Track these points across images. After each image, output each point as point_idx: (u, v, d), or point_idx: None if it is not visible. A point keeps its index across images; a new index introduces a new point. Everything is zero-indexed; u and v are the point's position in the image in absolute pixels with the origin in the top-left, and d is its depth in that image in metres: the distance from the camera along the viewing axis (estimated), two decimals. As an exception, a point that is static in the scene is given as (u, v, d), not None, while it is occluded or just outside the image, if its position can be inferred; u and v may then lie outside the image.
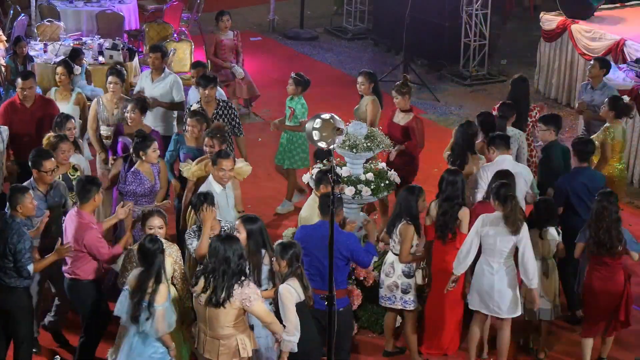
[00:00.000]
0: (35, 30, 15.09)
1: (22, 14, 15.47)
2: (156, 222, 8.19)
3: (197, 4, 17.35)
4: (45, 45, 14.11)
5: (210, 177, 9.15)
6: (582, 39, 14.64)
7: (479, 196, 9.58)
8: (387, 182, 9.94)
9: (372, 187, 9.77)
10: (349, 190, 9.63)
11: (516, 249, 8.63)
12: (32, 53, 13.55)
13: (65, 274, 8.52)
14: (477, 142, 10.14)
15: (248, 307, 7.35)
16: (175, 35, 15.81)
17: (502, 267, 8.68)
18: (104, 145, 10.84)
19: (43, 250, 8.52)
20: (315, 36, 18.91)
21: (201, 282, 7.42)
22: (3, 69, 12.96)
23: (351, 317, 8.55)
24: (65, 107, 11.01)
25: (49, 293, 9.25)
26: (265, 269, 7.98)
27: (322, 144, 6.98)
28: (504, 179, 8.92)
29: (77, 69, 12.05)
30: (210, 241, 7.55)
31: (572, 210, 9.66)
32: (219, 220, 8.55)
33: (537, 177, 10.13)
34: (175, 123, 11.99)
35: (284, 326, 7.53)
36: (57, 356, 9.08)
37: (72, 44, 14.15)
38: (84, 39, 14.80)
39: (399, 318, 9.28)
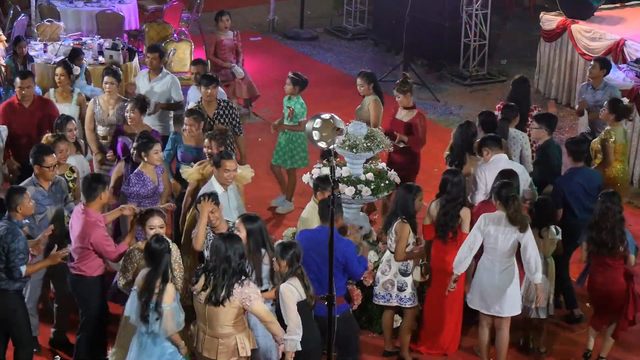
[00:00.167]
0: (35, 30, 15.09)
1: (22, 14, 15.47)
2: (156, 221, 8.20)
3: (197, 4, 17.35)
4: (45, 45, 14.11)
5: (213, 178, 9.14)
6: (582, 39, 14.64)
7: (478, 197, 9.58)
8: (387, 182, 9.94)
9: (372, 187, 9.77)
10: (349, 190, 9.63)
11: (518, 248, 8.63)
12: (32, 53, 13.55)
13: (71, 269, 8.54)
14: (476, 142, 10.16)
15: (248, 306, 7.35)
16: (175, 35, 15.82)
17: (503, 266, 8.68)
18: (101, 146, 10.84)
19: (48, 249, 8.50)
20: (315, 36, 18.91)
21: (201, 280, 7.43)
22: (3, 69, 12.96)
23: (352, 322, 8.50)
24: (67, 108, 11.03)
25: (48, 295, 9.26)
26: (265, 268, 7.99)
27: (322, 144, 6.98)
28: (508, 178, 8.95)
29: (77, 70, 12.05)
30: (212, 240, 7.57)
31: (569, 210, 9.69)
32: (227, 220, 8.56)
33: (534, 176, 10.12)
34: (172, 122, 12.00)
35: (286, 326, 7.54)
36: (57, 356, 9.09)
37: (72, 44, 14.15)
38: (84, 39, 14.80)
39: (398, 317, 9.29)
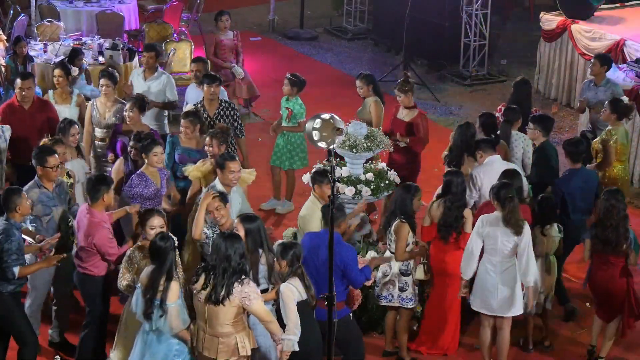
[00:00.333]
0: (35, 30, 15.08)
1: (22, 14, 15.47)
2: (157, 221, 8.20)
3: (197, 4, 17.35)
4: (45, 45, 14.11)
5: (217, 180, 9.12)
6: (582, 39, 14.64)
7: (470, 200, 9.57)
8: (387, 182, 9.94)
9: (372, 187, 9.77)
10: (349, 191, 9.63)
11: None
12: (32, 53, 13.55)
13: (78, 268, 8.56)
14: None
15: (248, 305, 7.36)
16: (175, 35, 15.81)
17: (504, 266, 8.69)
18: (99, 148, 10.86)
19: (57, 250, 8.53)
20: (315, 36, 18.91)
21: (201, 279, 7.44)
22: (3, 69, 12.95)
23: (352, 326, 8.46)
24: (67, 109, 11.02)
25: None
26: (262, 268, 7.98)
27: (322, 144, 6.98)
28: (510, 177, 8.99)
29: (75, 70, 12.05)
30: (213, 238, 7.59)
31: (563, 211, 9.72)
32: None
33: (531, 177, 10.13)
34: (166, 122, 12.00)
35: (284, 326, 7.53)
36: (57, 356, 9.09)
37: (72, 44, 14.14)
38: (84, 39, 14.80)
39: (398, 318, 9.29)
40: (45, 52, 13.91)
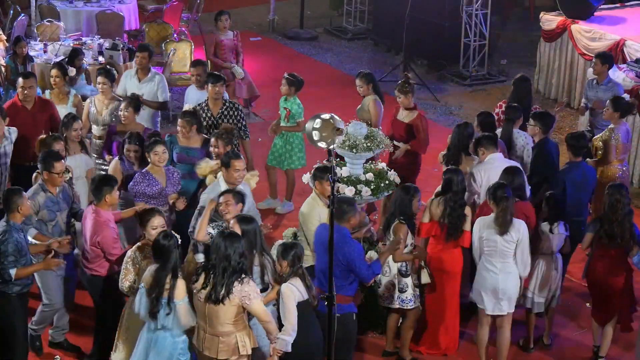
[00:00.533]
0: (35, 30, 15.09)
1: (22, 14, 15.47)
2: (159, 221, 8.18)
3: (197, 4, 17.35)
4: (45, 45, 14.11)
5: (220, 178, 9.10)
6: (582, 39, 14.65)
7: (472, 198, 9.58)
8: (387, 182, 9.94)
9: (372, 187, 9.77)
10: (349, 191, 9.63)
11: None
12: (32, 53, 13.55)
13: (86, 270, 8.58)
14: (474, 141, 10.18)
15: (247, 305, 7.36)
16: (175, 35, 15.81)
17: (505, 266, 8.71)
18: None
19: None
20: (315, 36, 18.91)
21: (201, 278, 7.45)
22: (3, 69, 12.96)
23: (351, 326, 8.42)
24: (64, 109, 11.00)
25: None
26: (255, 269, 7.95)
27: (322, 144, 6.98)
28: (511, 175, 9.04)
29: (72, 71, 12.05)
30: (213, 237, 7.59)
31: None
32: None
33: (529, 174, 10.14)
34: (159, 120, 11.99)
35: (282, 326, 7.54)
36: (57, 357, 9.09)
37: (72, 44, 14.15)
38: (84, 39, 14.81)
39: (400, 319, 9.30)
40: (45, 52, 13.92)
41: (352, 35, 18.84)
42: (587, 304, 9.80)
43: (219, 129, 10.31)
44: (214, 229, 8.39)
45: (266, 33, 19.05)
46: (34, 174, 9.26)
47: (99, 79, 11.01)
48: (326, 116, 6.95)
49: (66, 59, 12.68)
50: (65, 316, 9.14)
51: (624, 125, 10.79)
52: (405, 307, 8.98)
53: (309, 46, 18.45)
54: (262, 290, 7.80)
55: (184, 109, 10.72)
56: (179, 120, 10.17)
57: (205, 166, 9.53)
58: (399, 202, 8.87)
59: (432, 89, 15.99)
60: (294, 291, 7.59)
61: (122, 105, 10.42)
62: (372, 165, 10.17)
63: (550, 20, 15.36)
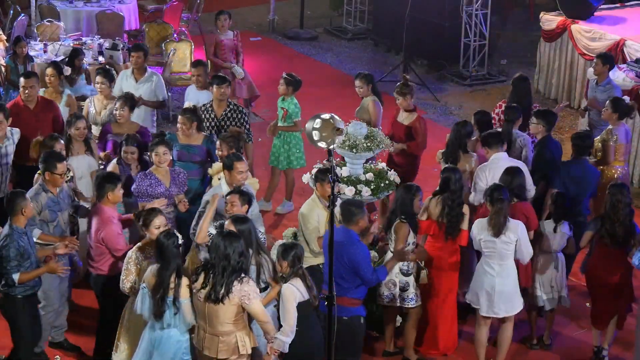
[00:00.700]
0: (35, 30, 15.09)
1: (22, 14, 15.47)
2: (160, 220, 8.17)
3: (197, 4, 17.35)
4: (45, 45, 14.11)
5: (222, 181, 9.11)
6: (582, 39, 14.64)
7: (477, 197, 9.58)
8: (387, 182, 9.94)
9: (372, 187, 9.77)
10: (349, 191, 9.63)
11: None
12: (32, 53, 13.54)
13: (91, 270, 8.60)
14: (472, 139, 10.18)
15: (247, 304, 7.36)
16: (175, 35, 15.82)
17: (503, 268, 8.71)
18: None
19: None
20: (315, 36, 18.91)
21: (201, 278, 7.45)
22: (3, 69, 12.95)
23: (359, 329, 8.43)
24: None
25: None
26: (252, 268, 7.95)
27: (322, 144, 6.98)
28: (511, 175, 9.06)
29: (67, 70, 12.05)
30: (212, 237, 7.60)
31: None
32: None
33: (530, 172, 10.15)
34: (154, 120, 11.99)
35: (281, 326, 7.55)
36: (57, 356, 9.09)
37: (72, 44, 14.15)
38: (84, 39, 14.81)
39: (399, 318, 9.29)
40: (45, 52, 13.92)
41: (352, 35, 18.84)
42: (587, 304, 9.80)
43: (226, 132, 10.32)
44: (216, 228, 8.40)
45: (266, 33, 19.05)
46: (36, 175, 9.24)
47: (98, 78, 11.02)
48: (326, 116, 6.96)
49: (66, 59, 12.68)
50: (62, 314, 9.14)
51: (623, 127, 10.80)
52: (407, 306, 8.98)
53: (309, 46, 18.44)
54: (262, 290, 7.80)
55: (184, 107, 10.73)
56: (180, 117, 10.18)
57: (217, 167, 9.57)
58: (400, 201, 8.86)
59: (432, 89, 15.99)
60: (294, 292, 7.59)
61: (117, 105, 10.39)
62: (372, 165, 10.17)
63: (550, 20, 15.36)
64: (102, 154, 10.38)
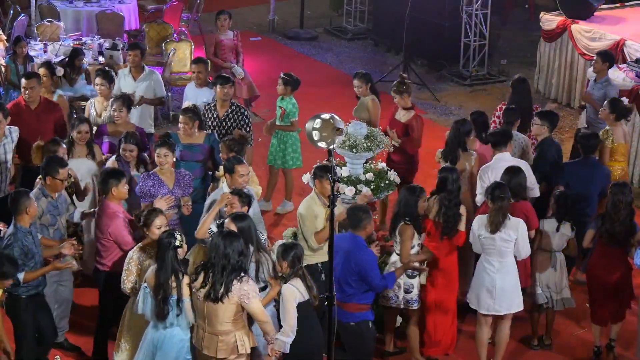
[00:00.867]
0: (35, 30, 15.09)
1: (22, 14, 15.48)
2: (161, 221, 8.17)
3: (197, 4, 17.36)
4: (45, 45, 14.12)
5: (224, 183, 9.10)
6: (582, 39, 14.65)
7: (478, 197, 9.59)
8: (387, 182, 9.94)
9: (372, 187, 9.77)
10: (349, 191, 9.63)
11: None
12: (32, 53, 13.55)
13: (98, 266, 8.61)
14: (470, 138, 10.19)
15: (246, 303, 7.36)
16: (175, 35, 15.82)
17: (503, 265, 8.71)
18: None
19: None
20: (315, 36, 18.91)
21: (200, 277, 7.45)
22: (3, 69, 12.95)
23: (368, 334, 8.40)
24: None
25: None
26: (252, 266, 7.96)
27: (322, 144, 6.98)
28: (512, 174, 9.07)
29: (60, 71, 12.06)
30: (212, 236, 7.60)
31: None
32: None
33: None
34: (151, 120, 12.00)
35: (281, 326, 7.55)
36: (57, 356, 9.09)
37: (72, 44, 14.16)
38: (84, 39, 14.82)
39: (399, 318, 9.28)
40: (45, 52, 13.92)
41: (352, 35, 18.84)
42: (587, 304, 9.80)
43: (231, 135, 10.32)
44: (217, 227, 8.40)
45: (266, 33, 19.05)
46: (37, 179, 9.19)
47: (97, 80, 11.01)
48: (326, 116, 6.96)
49: (66, 59, 12.68)
50: (64, 320, 9.13)
51: (621, 127, 10.79)
52: (410, 307, 8.97)
53: (309, 46, 18.44)
54: (261, 290, 7.80)
55: (183, 106, 10.73)
56: (181, 117, 10.17)
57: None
58: (404, 202, 8.81)
59: (432, 89, 15.99)
60: (294, 292, 7.59)
61: (115, 106, 10.37)
62: (372, 165, 10.17)
63: (550, 20, 15.36)
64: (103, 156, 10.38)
